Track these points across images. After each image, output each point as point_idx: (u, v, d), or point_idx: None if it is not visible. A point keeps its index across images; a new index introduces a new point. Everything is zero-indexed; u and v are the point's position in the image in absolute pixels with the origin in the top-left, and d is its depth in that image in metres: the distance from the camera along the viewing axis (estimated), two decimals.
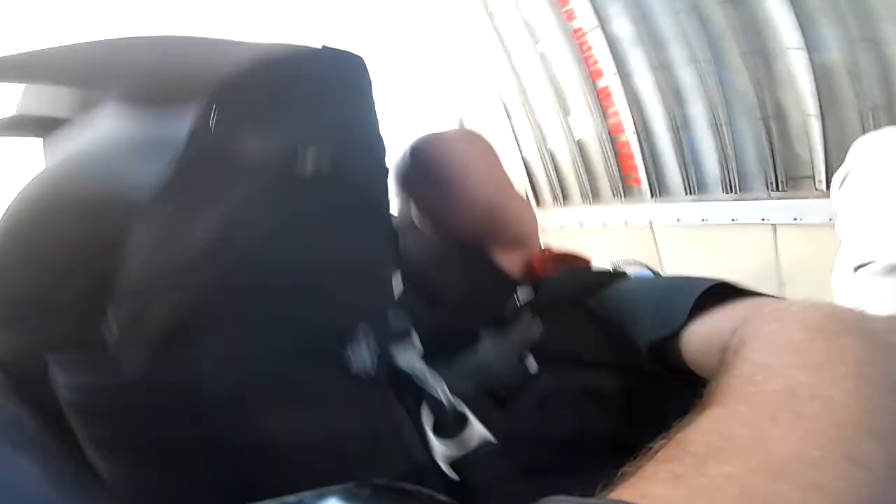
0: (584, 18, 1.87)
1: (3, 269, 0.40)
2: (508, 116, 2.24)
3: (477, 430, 0.39)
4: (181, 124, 0.37)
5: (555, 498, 0.22)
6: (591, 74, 2.00)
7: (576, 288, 0.57)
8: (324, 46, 0.45)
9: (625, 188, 2.16)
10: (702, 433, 0.26)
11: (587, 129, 2.09)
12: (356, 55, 0.46)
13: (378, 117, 0.46)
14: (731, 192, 1.81)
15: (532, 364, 0.47)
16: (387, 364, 0.39)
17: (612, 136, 2.09)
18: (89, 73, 0.45)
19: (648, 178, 2.06)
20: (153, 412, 0.32)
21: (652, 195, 2.08)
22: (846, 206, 0.71)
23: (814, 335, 0.31)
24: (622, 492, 0.23)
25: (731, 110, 1.75)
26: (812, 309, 0.35)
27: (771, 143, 1.67)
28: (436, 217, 0.67)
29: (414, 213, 0.68)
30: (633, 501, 0.22)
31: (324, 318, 0.36)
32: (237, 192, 0.36)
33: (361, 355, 0.35)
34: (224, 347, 0.33)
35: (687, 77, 1.79)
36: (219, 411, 0.32)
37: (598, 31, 1.86)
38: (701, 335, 0.41)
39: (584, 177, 2.23)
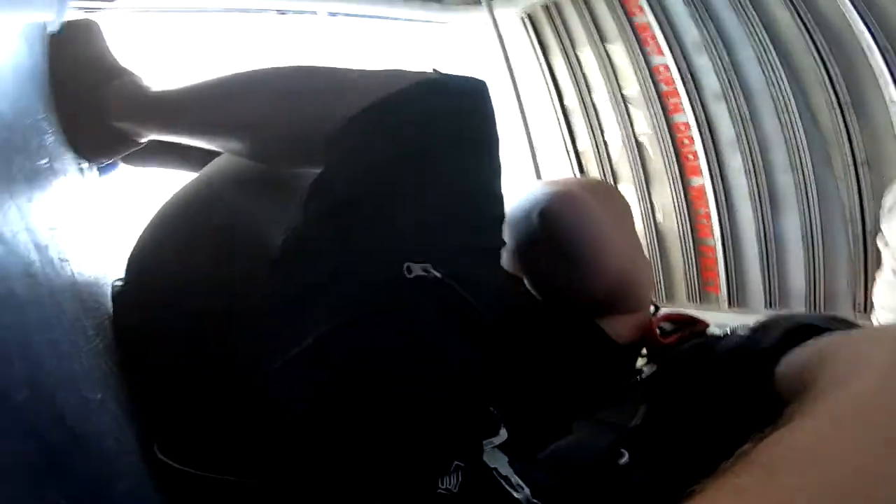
0: (688, 114, 1.92)
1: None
2: None
3: None
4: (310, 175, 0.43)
5: None
6: (687, 170, 1.99)
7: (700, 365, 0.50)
8: (436, 71, 0.47)
9: (702, 293, 2.02)
10: (769, 446, 0.25)
11: (672, 227, 2.04)
12: (480, 81, 0.46)
13: (500, 161, 0.45)
14: (816, 309, 1.61)
15: (623, 454, 0.42)
16: (472, 471, 0.39)
17: (697, 238, 2.01)
18: (216, 121, 0.54)
19: (728, 286, 1.92)
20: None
21: (730, 304, 1.91)
22: None
23: (887, 355, 0.30)
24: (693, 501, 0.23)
25: (828, 224, 1.62)
26: (887, 331, 0.35)
27: (866, 264, 1.49)
28: (553, 288, 0.58)
29: (523, 276, 0.59)
30: None
31: (427, 451, 0.38)
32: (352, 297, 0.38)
33: (449, 480, 0.38)
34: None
35: (785, 184, 1.71)
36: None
37: (697, 129, 1.88)
38: (790, 362, 0.39)
39: (661, 275, 2.12)
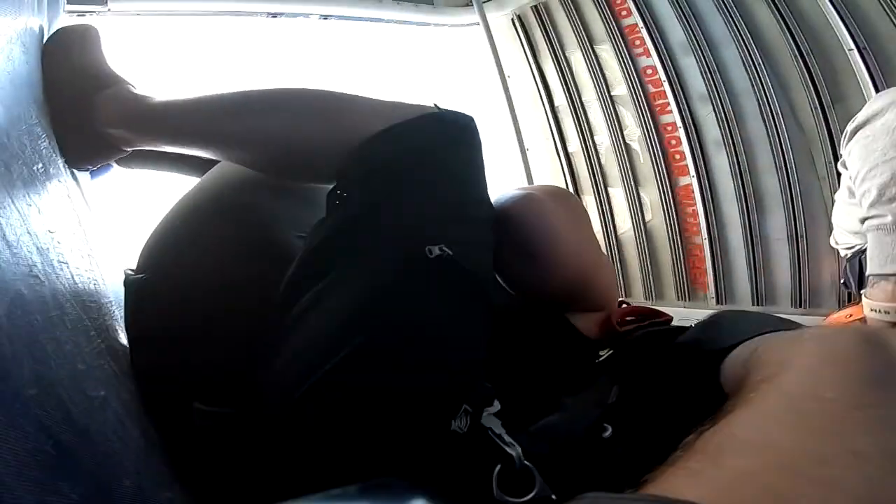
0: (675, 115, 1.95)
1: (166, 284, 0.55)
2: (580, 196, 2.30)
3: (541, 490, 0.42)
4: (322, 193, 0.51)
5: (591, 495, 0.24)
6: (674, 170, 2.02)
7: (656, 352, 0.55)
8: (436, 105, 0.55)
9: (690, 291, 2.05)
10: (712, 435, 0.28)
11: (660, 226, 2.07)
12: (469, 116, 0.55)
13: (485, 178, 0.55)
14: (801, 306, 1.64)
15: (607, 428, 0.47)
16: (473, 426, 0.46)
17: (685, 237, 2.04)
18: (225, 135, 0.58)
19: (716, 284, 1.95)
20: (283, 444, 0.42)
21: (718, 301, 1.95)
22: (858, 154, 0.67)
23: (806, 357, 0.33)
24: (645, 490, 0.25)
25: (811, 222, 1.65)
26: (818, 329, 0.39)
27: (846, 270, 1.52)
28: (520, 283, 0.65)
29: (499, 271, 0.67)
30: (661, 495, 0.23)
31: (441, 394, 0.45)
32: (373, 270, 0.46)
33: (460, 420, 0.44)
34: (359, 405, 0.42)
35: (770, 184, 1.75)
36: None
37: (684, 130, 1.91)
38: (731, 361, 0.42)
39: (650, 274, 2.15)
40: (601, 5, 1.91)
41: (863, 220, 0.63)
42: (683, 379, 0.47)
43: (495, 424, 0.45)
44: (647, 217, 2.10)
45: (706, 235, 1.97)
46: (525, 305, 0.66)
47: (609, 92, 2.03)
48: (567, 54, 2.09)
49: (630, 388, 0.50)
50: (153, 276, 0.58)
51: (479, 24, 2.13)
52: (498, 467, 0.42)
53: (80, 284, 0.51)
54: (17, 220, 0.41)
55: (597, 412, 0.48)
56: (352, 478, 0.30)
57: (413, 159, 0.51)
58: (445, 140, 0.54)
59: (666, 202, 2.01)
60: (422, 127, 0.53)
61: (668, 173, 1.99)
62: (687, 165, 1.97)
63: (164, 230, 0.62)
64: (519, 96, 2.24)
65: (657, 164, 1.99)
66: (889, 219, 0.61)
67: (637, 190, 2.09)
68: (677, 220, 2.04)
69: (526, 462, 0.42)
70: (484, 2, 2.14)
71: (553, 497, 0.41)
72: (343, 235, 0.49)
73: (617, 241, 2.23)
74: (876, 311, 0.61)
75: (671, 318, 0.66)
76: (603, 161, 2.15)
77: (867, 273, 0.66)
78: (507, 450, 0.43)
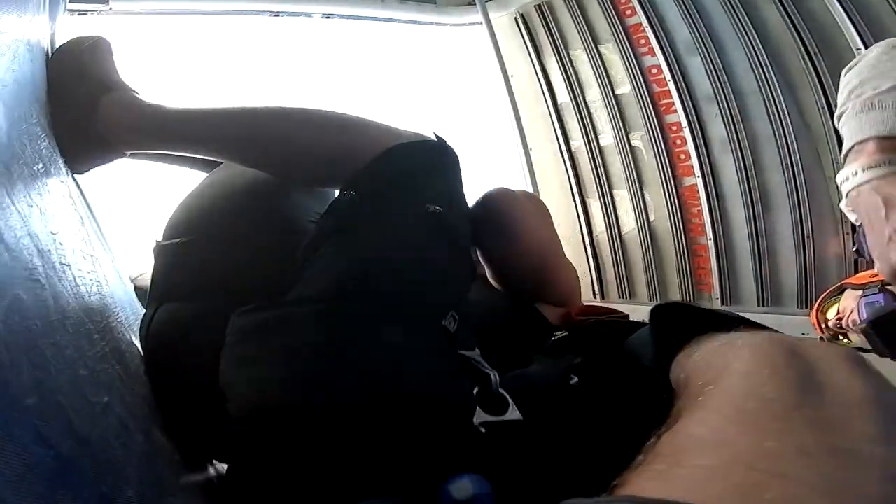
0: (680, 114, 1.93)
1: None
2: (584, 197, 2.28)
3: (513, 413, 0.48)
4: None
5: (571, 501, 0.25)
6: (679, 170, 2.01)
7: (605, 334, 0.64)
8: (436, 135, 0.67)
9: (695, 292, 2.04)
10: (670, 438, 0.30)
11: (665, 226, 2.06)
12: (452, 147, 0.68)
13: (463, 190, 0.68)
14: (808, 307, 1.63)
15: (573, 378, 0.55)
16: (456, 347, 0.54)
17: (690, 237, 2.03)
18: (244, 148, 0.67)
19: (721, 284, 1.94)
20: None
21: (723, 303, 1.93)
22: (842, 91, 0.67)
23: (744, 362, 0.35)
24: (617, 493, 0.27)
25: (818, 222, 1.64)
26: (750, 335, 0.42)
27: (856, 261, 1.51)
28: (494, 261, 0.77)
29: (480, 263, 0.80)
30: (633, 495, 0.25)
31: (437, 299, 0.56)
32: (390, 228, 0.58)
33: (449, 321, 0.53)
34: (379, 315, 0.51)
35: (776, 183, 1.73)
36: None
37: (689, 129, 1.90)
38: (679, 361, 0.45)
39: (654, 274, 2.14)
40: (605, 4, 1.90)
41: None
42: (631, 364, 0.54)
43: (475, 355, 0.53)
44: (652, 217, 2.09)
45: (711, 236, 1.96)
46: (499, 292, 0.79)
47: (613, 91, 2.02)
48: (571, 53, 2.08)
49: (589, 358, 0.58)
50: (196, 238, 0.66)
51: (481, 23, 2.12)
52: (476, 389, 0.49)
53: (82, 287, 0.50)
54: (17, 222, 0.40)
55: (564, 367, 0.56)
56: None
57: (410, 173, 0.62)
58: (433, 164, 0.65)
59: (670, 202, 2.00)
60: (412, 152, 0.63)
61: (672, 173, 1.98)
62: (692, 165, 1.96)
63: (201, 202, 0.70)
64: (522, 96, 2.23)
65: (661, 163, 1.98)
66: (852, 107, 0.60)
67: (641, 190, 2.08)
68: (682, 220, 2.03)
69: (500, 390, 0.49)
70: (487, 1, 2.13)
71: (522, 420, 0.47)
72: (353, 209, 0.58)
73: (621, 241, 2.22)
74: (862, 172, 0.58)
75: (627, 316, 0.74)
76: (607, 161, 2.14)
77: (841, 157, 0.63)
78: (486, 371, 0.51)
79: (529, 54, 2.16)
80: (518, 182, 2.27)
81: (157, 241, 0.68)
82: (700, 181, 1.92)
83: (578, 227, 2.31)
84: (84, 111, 0.65)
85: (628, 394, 0.50)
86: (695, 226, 2.02)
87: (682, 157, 1.99)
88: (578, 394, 0.53)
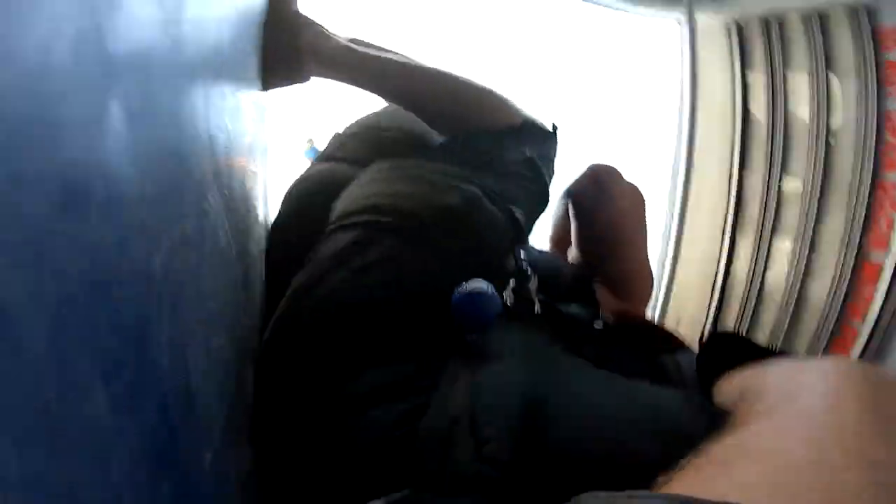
0: None
1: None
2: (735, 235, 2.02)
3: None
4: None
5: (586, 495, 0.26)
6: (871, 241, 1.68)
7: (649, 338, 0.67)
8: (553, 125, 0.75)
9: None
10: (720, 447, 0.29)
11: (819, 294, 1.77)
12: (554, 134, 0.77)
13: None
14: None
15: (600, 323, 0.63)
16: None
17: (845, 315, 1.73)
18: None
19: None
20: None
21: None
22: None
23: (827, 385, 0.34)
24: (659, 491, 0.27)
25: None
26: (823, 360, 0.41)
27: None
28: (578, 221, 0.81)
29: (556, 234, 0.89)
30: (677, 493, 0.25)
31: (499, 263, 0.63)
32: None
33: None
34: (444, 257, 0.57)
35: None
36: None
37: None
38: (730, 379, 0.45)
39: (781, 339, 1.88)
40: (858, 30, 1.58)
41: None
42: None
43: (523, 260, 0.64)
44: (811, 283, 1.80)
45: (872, 323, 1.64)
46: (567, 262, 0.83)
47: (828, 129, 1.69)
48: (787, 74, 1.79)
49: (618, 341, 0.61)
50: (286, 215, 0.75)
51: (684, 23, 1.91)
52: (512, 282, 0.58)
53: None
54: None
55: (592, 317, 0.63)
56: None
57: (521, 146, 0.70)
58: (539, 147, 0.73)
59: (839, 274, 1.70)
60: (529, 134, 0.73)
61: (859, 241, 1.66)
62: (889, 239, 1.62)
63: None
64: (706, 108, 2.00)
65: (848, 227, 1.67)
66: None
67: (811, 251, 1.78)
68: (845, 296, 1.72)
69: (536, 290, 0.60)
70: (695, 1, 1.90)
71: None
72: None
73: (759, 294, 1.96)
74: None
75: (683, 341, 0.73)
76: (782, 207, 1.86)
77: None
78: (525, 267, 0.62)
79: (733, 66, 1.90)
80: (661, 195, 2.08)
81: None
82: (891, 261, 1.59)
83: (716, 262, 2.07)
84: (292, 34, 0.71)
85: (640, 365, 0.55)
86: (857, 308, 1.71)
87: (882, 226, 1.65)
88: (602, 336, 0.60)
